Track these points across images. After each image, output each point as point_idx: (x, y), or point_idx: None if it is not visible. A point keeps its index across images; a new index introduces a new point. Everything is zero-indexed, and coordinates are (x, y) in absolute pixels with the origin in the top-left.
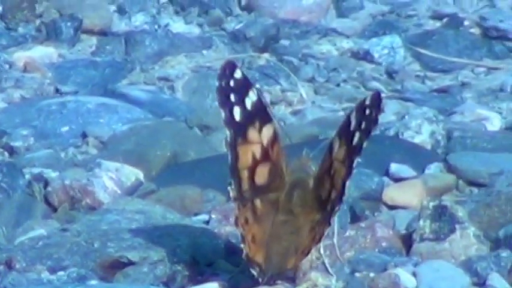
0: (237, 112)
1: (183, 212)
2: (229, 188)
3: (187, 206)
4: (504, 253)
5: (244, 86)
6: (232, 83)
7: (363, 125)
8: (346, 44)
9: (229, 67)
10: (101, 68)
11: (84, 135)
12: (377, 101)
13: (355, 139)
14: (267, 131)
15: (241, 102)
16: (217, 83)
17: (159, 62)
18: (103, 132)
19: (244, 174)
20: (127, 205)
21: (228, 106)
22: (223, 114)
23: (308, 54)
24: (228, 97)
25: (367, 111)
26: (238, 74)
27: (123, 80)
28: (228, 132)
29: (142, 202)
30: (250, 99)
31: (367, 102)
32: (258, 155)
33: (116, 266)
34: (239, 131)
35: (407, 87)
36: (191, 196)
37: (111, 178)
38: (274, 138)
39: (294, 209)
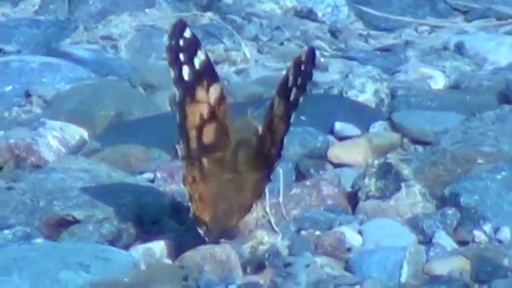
0: (185, 71)
1: (127, 170)
2: (177, 146)
3: (132, 164)
4: (450, 211)
5: (193, 45)
6: (182, 43)
7: (299, 81)
8: (290, 2)
9: (180, 26)
10: (44, 27)
11: (28, 95)
12: (311, 56)
13: (292, 95)
14: (214, 90)
15: (190, 61)
16: (167, 42)
17: (102, 21)
18: (47, 91)
19: (193, 133)
20: (72, 164)
21: (177, 65)
22: (172, 74)
23: (251, 13)
24: (178, 56)
25: (303, 67)
26: (187, 34)
27: (67, 39)
28: (177, 92)
29: (87, 161)
30: (199, 59)
31: (302, 58)
32: (205, 114)
33: (62, 225)
34: (188, 91)
35: (351, 46)
36: (136, 155)
37: (56, 137)
38: (221, 98)
39: (238, 167)
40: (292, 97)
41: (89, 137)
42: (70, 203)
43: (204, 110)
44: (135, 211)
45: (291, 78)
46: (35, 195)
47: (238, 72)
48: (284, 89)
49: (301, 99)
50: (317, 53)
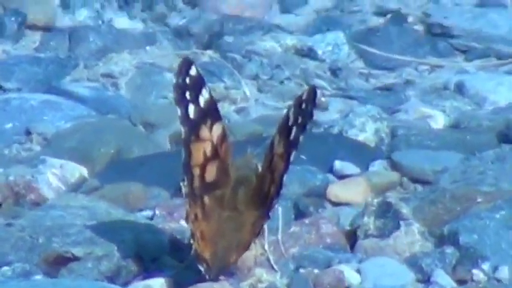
0: (191, 110)
1: (127, 208)
2: (181, 184)
3: (131, 202)
4: (448, 249)
5: (199, 83)
6: (188, 81)
7: (299, 120)
8: (290, 40)
9: (186, 65)
10: (45, 64)
11: (28, 132)
12: (312, 95)
13: (292, 133)
14: (217, 129)
15: (195, 99)
16: (174, 80)
17: (102, 59)
18: (47, 129)
19: (196, 171)
20: (71, 201)
21: (184, 104)
22: (179, 112)
23: (252, 51)
24: (184, 95)
25: (303, 106)
26: (193, 72)
27: (67, 77)
28: (182, 130)
29: (86, 198)
30: (204, 97)
31: (303, 97)
32: (208, 153)
33: (61, 262)
34: (193, 129)
35: (351, 84)
36: (135, 192)
37: (55, 174)
38: (223, 136)
39: (238, 206)
40: (292, 136)
41: (88, 175)
42: (69, 240)
43: (208, 149)
44: (134, 248)
45: (291, 117)
46: (34, 232)
47: (239, 111)
48: (284, 128)
49: (301, 138)
50: (318, 92)
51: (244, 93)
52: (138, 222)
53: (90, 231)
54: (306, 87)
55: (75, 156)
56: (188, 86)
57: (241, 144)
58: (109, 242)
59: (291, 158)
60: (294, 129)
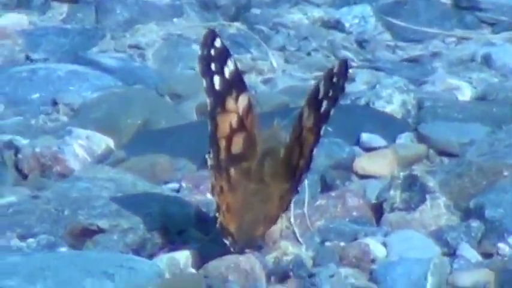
0: (217, 81)
1: (153, 180)
2: (207, 156)
3: (157, 174)
4: (474, 223)
5: (224, 55)
6: (213, 52)
7: (330, 93)
8: (317, 13)
9: (211, 36)
10: (72, 35)
11: (55, 103)
12: (344, 69)
13: (323, 107)
14: (243, 100)
15: (220, 71)
16: (199, 52)
17: (129, 30)
18: (73, 99)
19: (222, 143)
20: (97, 173)
21: (209, 75)
22: (204, 83)
23: (279, 23)
24: (209, 66)
25: (335, 79)
26: (218, 43)
27: (94, 48)
28: (208, 101)
29: (112, 170)
30: (229, 69)
31: (335, 70)
32: (234, 124)
33: (86, 234)
34: (218, 100)
35: (378, 56)
36: (161, 164)
37: (82, 146)
38: (249, 108)
39: (265, 178)
40: (323, 109)
41: (115, 146)
42: (95, 213)
43: (234, 120)
44: (160, 221)
45: (322, 90)
46: (60, 204)
47: (265, 82)
48: (314, 101)
49: (332, 111)
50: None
51: (271, 64)
52: (164, 195)
53: (116, 203)
54: (333, 58)
55: (101, 127)
56: (213, 57)
57: (269, 116)
58: (135, 215)
59: (321, 132)
60: (325, 103)
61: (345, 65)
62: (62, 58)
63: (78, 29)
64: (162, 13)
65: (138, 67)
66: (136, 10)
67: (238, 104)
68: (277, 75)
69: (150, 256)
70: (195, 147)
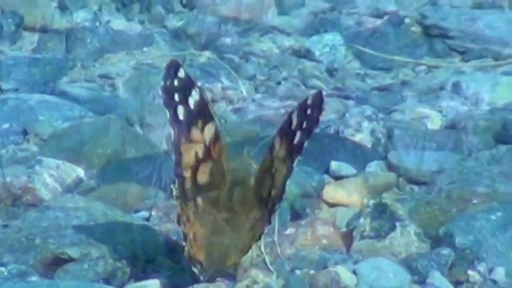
0: (180, 111)
1: (124, 209)
2: (172, 186)
3: (128, 203)
4: (444, 251)
5: (188, 85)
6: (176, 83)
7: (304, 125)
8: (287, 42)
9: (174, 66)
10: (42, 65)
11: (25, 133)
12: (319, 101)
13: (296, 138)
14: (209, 130)
15: (184, 101)
16: (162, 83)
17: (100, 59)
18: (44, 129)
19: (188, 172)
20: (68, 202)
21: (172, 106)
22: (168, 114)
23: (249, 52)
24: (173, 97)
25: (309, 111)
26: (181, 74)
27: (64, 78)
28: (172, 132)
29: (83, 199)
30: (193, 99)
31: (309, 101)
32: (200, 154)
33: (57, 263)
34: (183, 130)
35: (348, 85)
36: (132, 193)
37: (52, 175)
38: (216, 137)
39: (234, 207)
40: (296, 141)
41: (85, 176)
42: (65, 241)
43: (199, 150)
44: (130, 250)
45: (295, 121)
46: (30, 233)
47: (236, 111)
48: (287, 132)
49: (305, 143)
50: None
51: (241, 93)
52: (134, 224)
53: (87, 232)
54: (303, 87)
55: (71, 157)
56: (176, 87)
57: (238, 145)
58: (105, 244)
59: (294, 163)
60: (298, 134)
61: (320, 97)
62: (32, 88)
63: (49, 58)
64: (133, 42)
65: (108, 97)
66: (106, 40)
67: (204, 134)
68: (247, 104)
69: (121, 285)
70: (165, 176)
